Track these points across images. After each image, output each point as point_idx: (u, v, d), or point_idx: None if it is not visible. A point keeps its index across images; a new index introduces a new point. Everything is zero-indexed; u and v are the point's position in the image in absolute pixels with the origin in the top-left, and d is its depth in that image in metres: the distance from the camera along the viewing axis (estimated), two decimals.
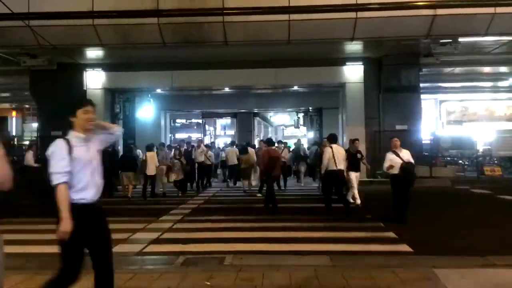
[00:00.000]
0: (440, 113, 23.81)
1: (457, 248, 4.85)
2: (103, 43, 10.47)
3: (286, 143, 13.81)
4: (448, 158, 17.33)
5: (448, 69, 15.17)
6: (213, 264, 4.34)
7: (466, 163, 16.94)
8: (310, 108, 20.39)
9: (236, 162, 12.21)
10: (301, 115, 23.19)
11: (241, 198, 10.04)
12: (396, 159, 6.45)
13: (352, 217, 6.82)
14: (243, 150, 11.75)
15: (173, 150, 11.76)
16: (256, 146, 13.50)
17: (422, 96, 14.34)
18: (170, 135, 21.50)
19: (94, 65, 13.50)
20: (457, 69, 15.46)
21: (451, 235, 5.63)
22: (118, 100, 15.06)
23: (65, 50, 11.25)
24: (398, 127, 12.60)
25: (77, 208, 2.35)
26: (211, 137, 25.99)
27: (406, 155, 6.51)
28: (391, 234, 5.60)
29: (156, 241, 5.60)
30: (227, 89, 16.10)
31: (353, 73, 13.46)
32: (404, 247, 4.89)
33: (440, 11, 9.42)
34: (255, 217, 7.13)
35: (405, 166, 6.36)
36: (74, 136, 2.46)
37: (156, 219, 7.15)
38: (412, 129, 12.64)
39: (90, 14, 9.53)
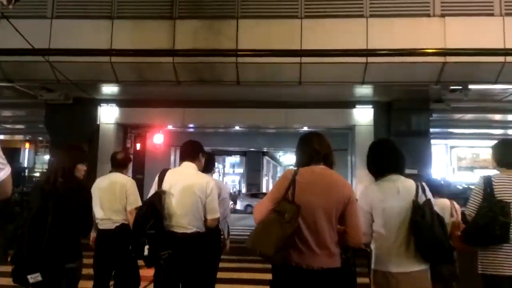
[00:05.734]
0: (451, 159, 23.65)
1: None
2: (119, 79, 10.76)
3: None
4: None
5: (458, 115, 15.18)
6: None
7: None
8: None
9: None
10: None
11: None
12: None
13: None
14: None
15: None
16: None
17: (433, 141, 14.30)
18: None
19: (108, 100, 13.78)
20: (468, 116, 15.46)
21: None
22: (130, 135, 15.25)
23: (81, 86, 11.53)
24: (408, 171, 12.41)
25: None
26: (219, 175, 26.07)
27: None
28: None
29: None
30: (237, 128, 16.24)
31: (363, 116, 13.52)
32: None
33: (450, 59, 9.55)
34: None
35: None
36: None
37: None
38: (422, 173, 12.52)
39: (108, 52, 9.85)
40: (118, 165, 4.63)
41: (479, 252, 3.20)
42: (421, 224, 2.62)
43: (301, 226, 2.37)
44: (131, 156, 14.99)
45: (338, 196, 2.49)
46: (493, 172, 3.32)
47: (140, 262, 5.71)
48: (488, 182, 3.17)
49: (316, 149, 2.62)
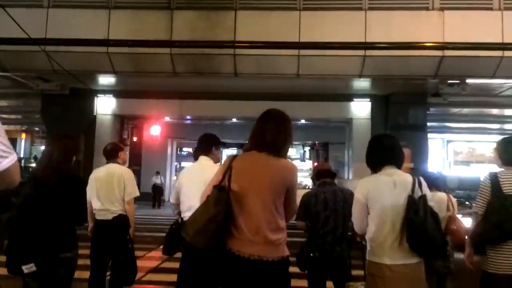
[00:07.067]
0: (447, 153, 23.72)
1: None
2: (116, 70, 10.71)
3: None
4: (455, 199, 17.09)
5: (455, 110, 15.19)
6: None
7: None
8: (317, 142, 20.45)
9: None
10: (307, 148, 23.25)
11: None
12: None
13: None
14: None
15: None
16: None
17: (429, 135, 14.32)
18: (176, 163, 21.55)
19: (105, 91, 13.73)
20: (465, 110, 15.48)
21: None
22: (127, 126, 15.22)
23: (78, 76, 11.47)
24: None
25: None
26: None
27: None
28: None
29: (156, 270, 5.52)
30: (234, 120, 16.24)
31: (360, 109, 13.54)
32: None
33: (448, 53, 9.55)
34: None
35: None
36: None
37: (157, 247, 7.06)
38: (418, 167, 12.56)
39: (105, 42, 9.79)
40: (109, 156, 4.67)
41: (487, 250, 3.12)
42: (414, 220, 2.62)
43: (235, 211, 2.32)
44: (127, 147, 15.08)
45: (272, 181, 2.38)
46: (496, 168, 3.30)
47: (138, 253, 5.76)
48: (494, 179, 3.16)
49: (261, 138, 2.55)
